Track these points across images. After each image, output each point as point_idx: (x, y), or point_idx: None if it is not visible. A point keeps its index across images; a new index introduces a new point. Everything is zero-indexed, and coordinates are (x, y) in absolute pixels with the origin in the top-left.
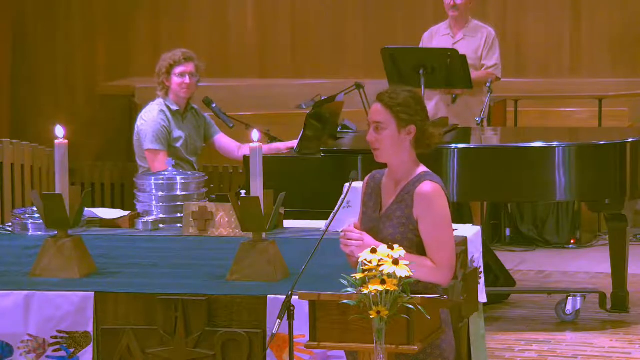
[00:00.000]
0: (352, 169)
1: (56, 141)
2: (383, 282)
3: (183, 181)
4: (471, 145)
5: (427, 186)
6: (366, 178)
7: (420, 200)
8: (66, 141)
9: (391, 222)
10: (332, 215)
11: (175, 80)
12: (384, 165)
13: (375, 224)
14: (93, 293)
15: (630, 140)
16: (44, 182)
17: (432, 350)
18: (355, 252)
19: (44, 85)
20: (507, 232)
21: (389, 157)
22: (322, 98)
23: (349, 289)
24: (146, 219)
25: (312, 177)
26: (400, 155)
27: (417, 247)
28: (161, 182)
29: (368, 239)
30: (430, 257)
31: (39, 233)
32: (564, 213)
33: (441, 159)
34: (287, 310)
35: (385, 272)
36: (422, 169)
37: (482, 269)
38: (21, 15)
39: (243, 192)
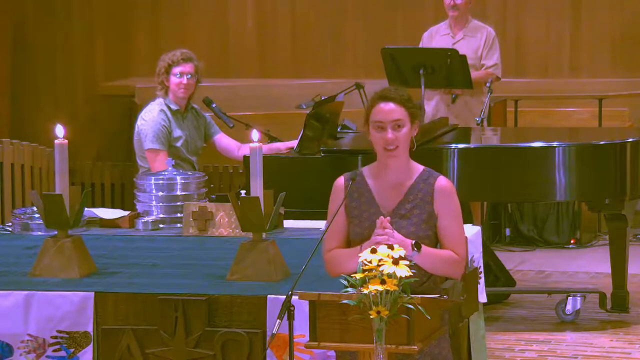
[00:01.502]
0: (352, 169)
1: (56, 141)
2: (383, 282)
3: (183, 181)
4: (471, 145)
5: (444, 181)
6: (341, 184)
7: (441, 195)
8: (66, 141)
9: (409, 221)
10: (332, 215)
11: (174, 80)
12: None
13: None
14: (93, 293)
15: (630, 140)
16: (44, 182)
17: (445, 344)
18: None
19: (44, 85)
20: (507, 232)
21: (403, 155)
22: (322, 98)
23: (349, 289)
24: (146, 219)
25: (312, 177)
26: (407, 153)
27: (434, 243)
28: (161, 182)
29: (397, 234)
30: (452, 250)
31: (39, 233)
32: (564, 213)
33: (441, 159)
34: (287, 310)
35: (385, 272)
36: (420, 165)
37: (482, 269)
38: (21, 16)
39: (243, 192)
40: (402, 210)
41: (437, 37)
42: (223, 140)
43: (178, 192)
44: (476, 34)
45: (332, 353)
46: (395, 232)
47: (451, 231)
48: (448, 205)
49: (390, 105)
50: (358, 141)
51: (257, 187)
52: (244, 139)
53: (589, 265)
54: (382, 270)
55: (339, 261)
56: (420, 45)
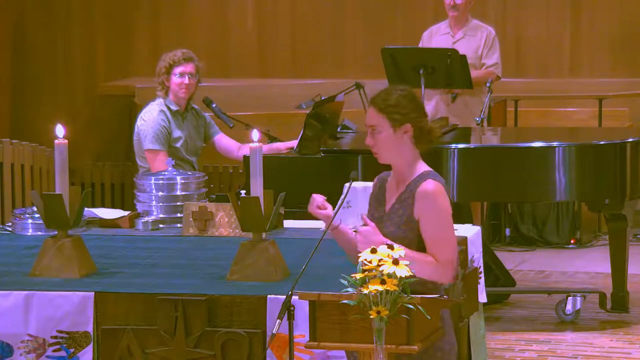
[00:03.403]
0: (352, 169)
1: (56, 141)
2: (383, 282)
3: (183, 181)
4: (471, 145)
5: (429, 185)
6: (375, 179)
7: (421, 199)
8: (66, 141)
9: (392, 221)
10: (332, 215)
11: (175, 80)
12: (386, 167)
13: (378, 222)
14: (93, 293)
15: (630, 140)
16: (44, 182)
17: (434, 352)
18: (359, 241)
19: (44, 85)
20: (507, 232)
21: (390, 159)
22: (322, 98)
23: (349, 289)
24: (146, 219)
25: (312, 177)
26: (403, 155)
27: (416, 246)
28: (161, 182)
29: (372, 234)
30: (432, 255)
31: (39, 233)
32: (564, 213)
33: (441, 159)
34: (287, 310)
35: (385, 272)
36: (425, 167)
37: (482, 269)
38: (21, 16)
39: (243, 192)
40: (393, 209)
41: (437, 36)
42: (223, 140)
43: (178, 192)
44: (476, 33)
45: (332, 353)
46: (373, 233)
47: (430, 235)
48: (428, 209)
49: (370, 111)
50: (358, 141)
51: (257, 187)
52: (244, 139)
53: (589, 265)
54: (382, 270)
55: None
56: (420, 45)
